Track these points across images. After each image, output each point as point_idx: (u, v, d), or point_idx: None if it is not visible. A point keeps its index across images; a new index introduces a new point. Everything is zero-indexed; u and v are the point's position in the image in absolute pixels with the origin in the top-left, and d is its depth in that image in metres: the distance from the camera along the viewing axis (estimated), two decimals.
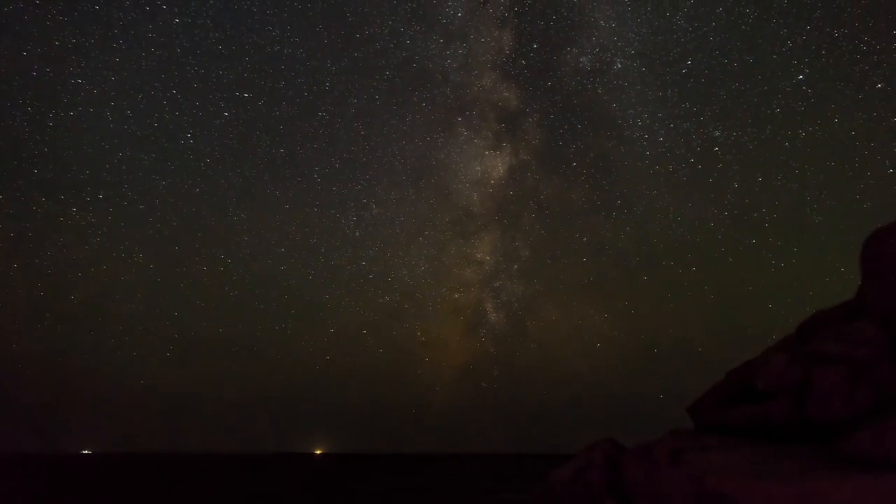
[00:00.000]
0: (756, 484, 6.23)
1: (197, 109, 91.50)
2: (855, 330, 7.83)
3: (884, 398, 6.85)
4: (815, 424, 7.17)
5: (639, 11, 78.25)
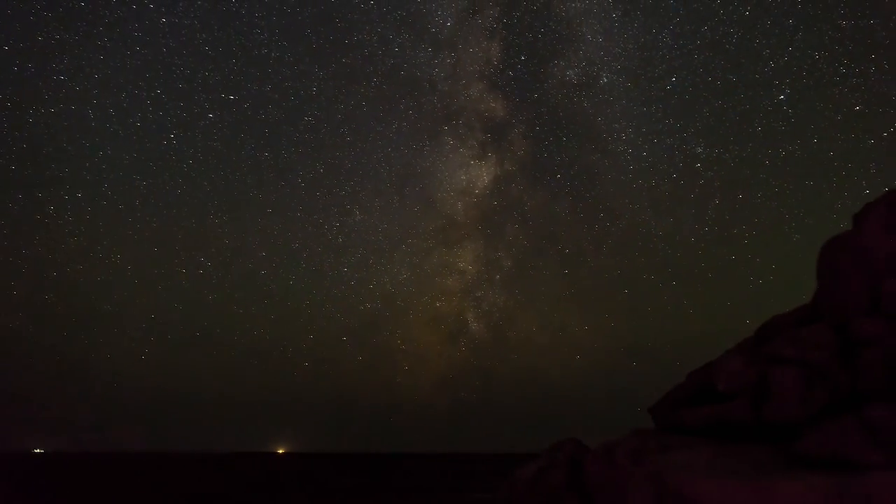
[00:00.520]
0: (713, 482, 6.36)
1: (181, 110, 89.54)
2: (810, 334, 8.07)
3: (836, 400, 7.08)
4: (772, 425, 7.36)
5: (626, 28, 79.64)
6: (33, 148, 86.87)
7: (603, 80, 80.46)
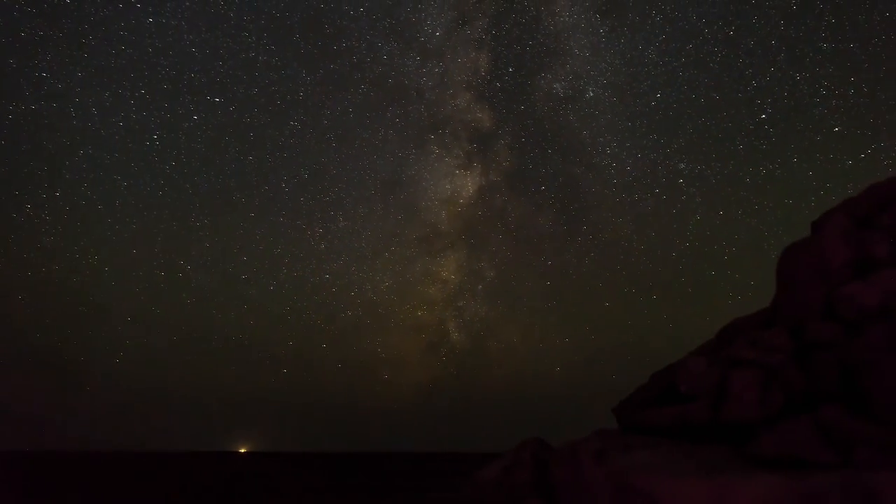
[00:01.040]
0: (673, 482, 6.46)
1: (165, 111, 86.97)
2: (768, 337, 8.30)
3: (792, 401, 7.29)
4: (730, 425, 7.53)
5: (612, 43, 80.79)
6: (11, 144, 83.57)
7: (589, 94, 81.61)
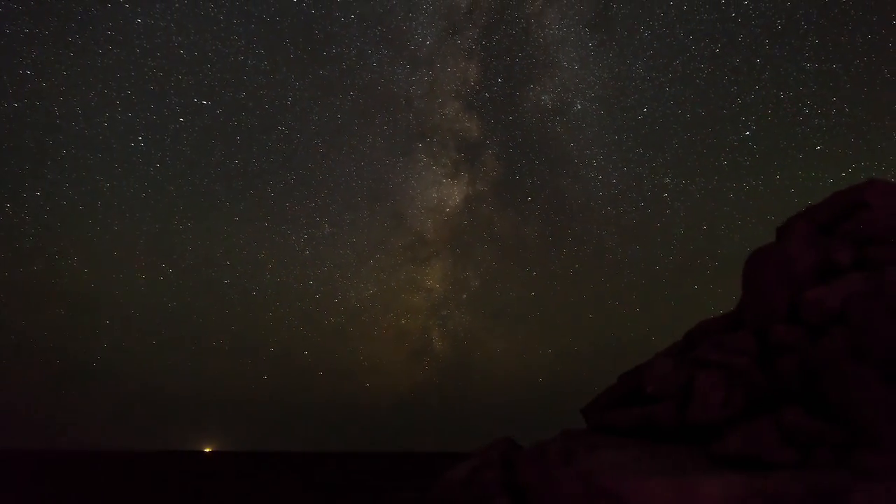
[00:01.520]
0: (639, 481, 6.52)
1: (151, 112, 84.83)
2: (733, 340, 8.45)
3: (755, 403, 7.42)
4: (695, 426, 7.63)
5: (601, 57, 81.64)
6: None
7: (577, 107, 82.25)
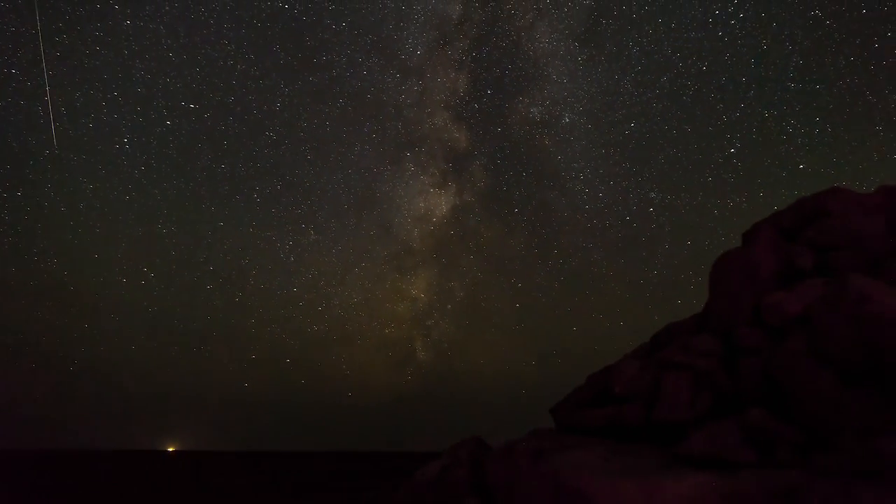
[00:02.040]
0: (605, 481, 6.57)
1: (138, 115, 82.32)
2: (699, 342, 8.60)
3: (719, 404, 7.56)
4: (661, 426, 7.75)
5: (590, 71, 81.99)
6: None
7: (565, 120, 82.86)
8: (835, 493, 5.37)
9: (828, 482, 5.49)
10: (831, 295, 7.47)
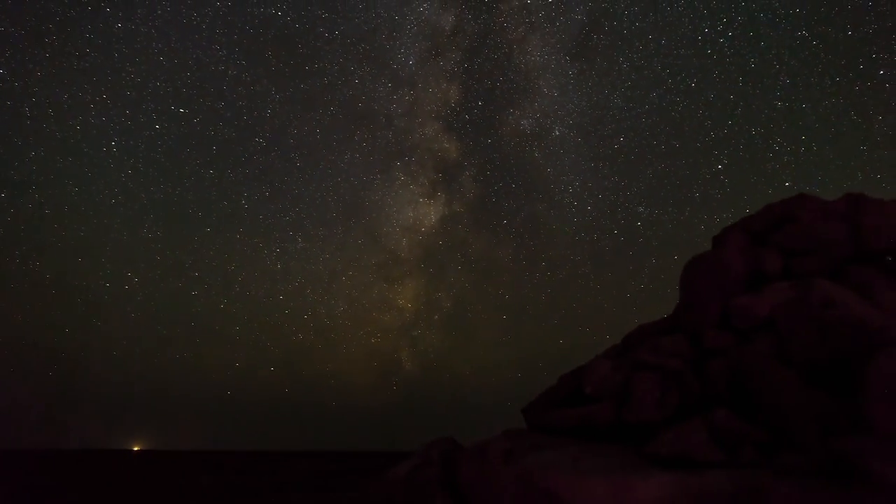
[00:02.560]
0: (575, 480, 6.61)
1: (126, 118, 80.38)
2: (669, 343, 8.73)
3: (688, 404, 7.68)
4: (632, 426, 7.83)
5: (580, 85, 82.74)
6: None
7: (555, 133, 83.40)
8: (795, 492, 5.50)
9: (790, 481, 5.61)
10: (796, 299, 7.66)
